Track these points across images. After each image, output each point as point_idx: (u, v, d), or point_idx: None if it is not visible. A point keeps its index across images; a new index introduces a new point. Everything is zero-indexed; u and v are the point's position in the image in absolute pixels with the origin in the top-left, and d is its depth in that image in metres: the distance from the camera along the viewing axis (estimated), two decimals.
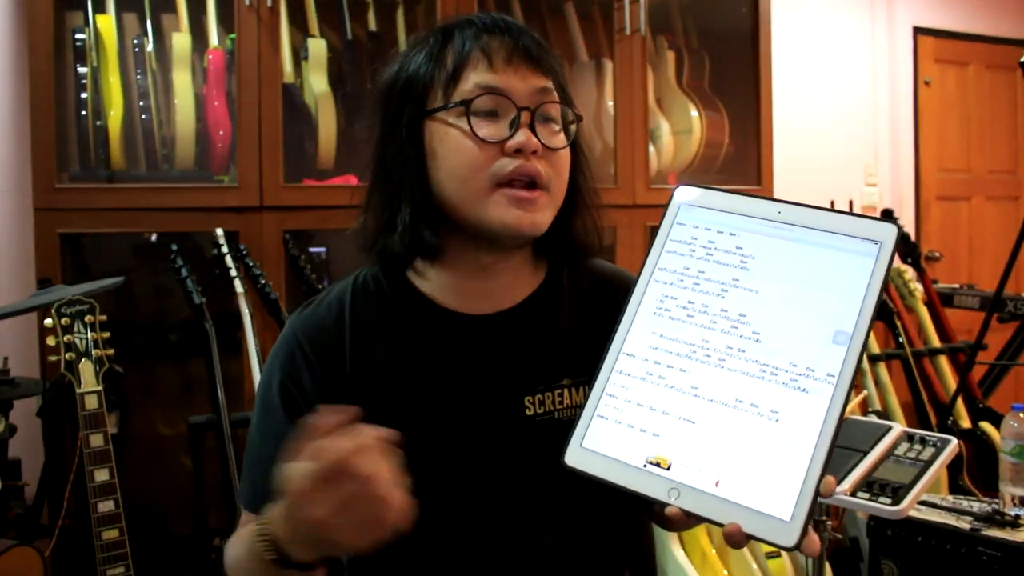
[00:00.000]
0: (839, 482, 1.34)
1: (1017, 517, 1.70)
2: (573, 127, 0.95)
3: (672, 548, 2.21)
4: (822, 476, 0.66)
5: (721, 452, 0.69)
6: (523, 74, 0.90)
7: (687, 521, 0.70)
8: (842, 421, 0.67)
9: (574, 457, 0.75)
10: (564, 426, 0.89)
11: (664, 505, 0.70)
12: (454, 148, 0.89)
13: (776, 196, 3.11)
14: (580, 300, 1.01)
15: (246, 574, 0.85)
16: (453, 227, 0.93)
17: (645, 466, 0.71)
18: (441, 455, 0.91)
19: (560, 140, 0.93)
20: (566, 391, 0.95)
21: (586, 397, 0.95)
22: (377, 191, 0.96)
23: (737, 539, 0.67)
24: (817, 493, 0.66)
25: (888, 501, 1.32)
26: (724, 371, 0.72)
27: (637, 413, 0.73)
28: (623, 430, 0.73)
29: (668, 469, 0.70)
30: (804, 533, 0.65)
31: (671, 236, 0.80)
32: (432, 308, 0.96)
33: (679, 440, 0.71)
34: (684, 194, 0.81)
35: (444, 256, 0.95)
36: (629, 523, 1.03)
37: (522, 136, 0.88)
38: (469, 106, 0.88)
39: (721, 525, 0.67)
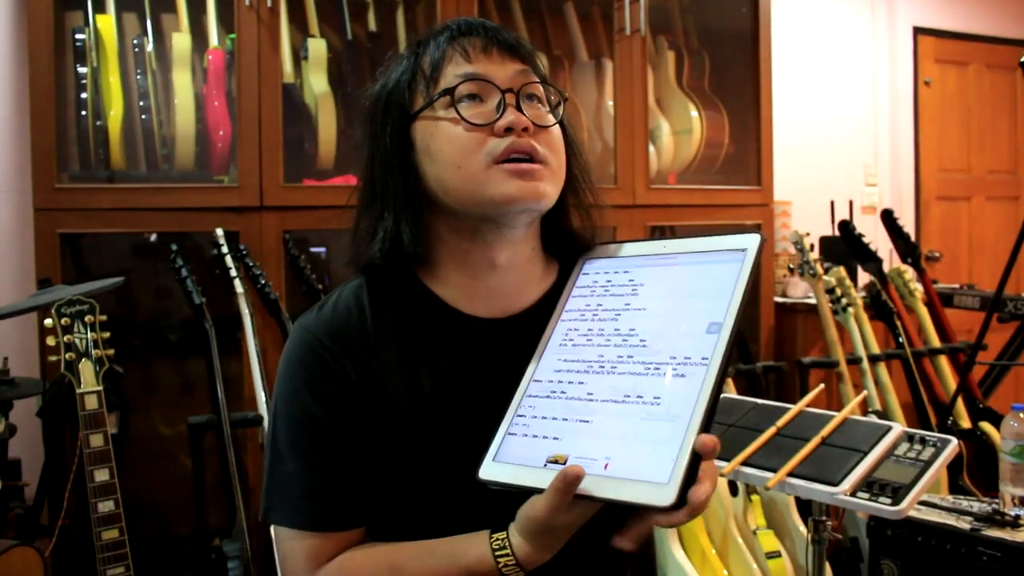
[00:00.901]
0: (839, 482, 1.33)
1: (1017, 517, 1.70)
2: (560, 108, 0.95)
3: (672, 548, 2.21)
4: (697, 438, 0.73)
5: (610, 439, 0.77)
6: (501, 61, 0.91)
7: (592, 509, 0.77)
8: (718, 393, 0.75)
9: (486, 471, 0.83)
10: None
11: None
12: (446, 138, 0.90)
13: (777, 198, 3.14)
14: None
15: None
16: (457, 223, 0.93)
17: (546, 465, 0.79)
18: (454, 456, 0.91)
19: (549, 118, 0.93)
20: None
21: None
22: (366, 205, 0.96)
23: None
24: (696, 455, 0.72)
25: (888, 501, 1.31)
26: (616, 375, 0.81)
27: (541, 425, 0.83)
28: (528, 440, 0.82)
29: (565, 463, 0.78)
30: (683, 492, 0.71)
31: (577, 284, 0.93)
32: (446, 310, 0.95)
33: (575, 438, 0.80)
34: (589, 252, 0.96)
35: (454, 256, 0.95)
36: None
37: (511, 115, 0.89)
38: (453, 93, 0.89)
39: (605, 501, 0.74)
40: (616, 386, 0.80)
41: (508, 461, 0.82)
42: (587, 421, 0.80)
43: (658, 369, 0.79)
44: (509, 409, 0.86)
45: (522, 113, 0.89)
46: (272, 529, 0.93)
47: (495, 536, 0.84)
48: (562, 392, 0.84)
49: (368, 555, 0.91)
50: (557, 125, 0.94)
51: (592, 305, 0.89)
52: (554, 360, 0.87)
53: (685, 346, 0.78)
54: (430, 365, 0.93)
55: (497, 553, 0.83)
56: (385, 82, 0.96)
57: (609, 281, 0.89)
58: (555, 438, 0.81)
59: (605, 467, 0.75)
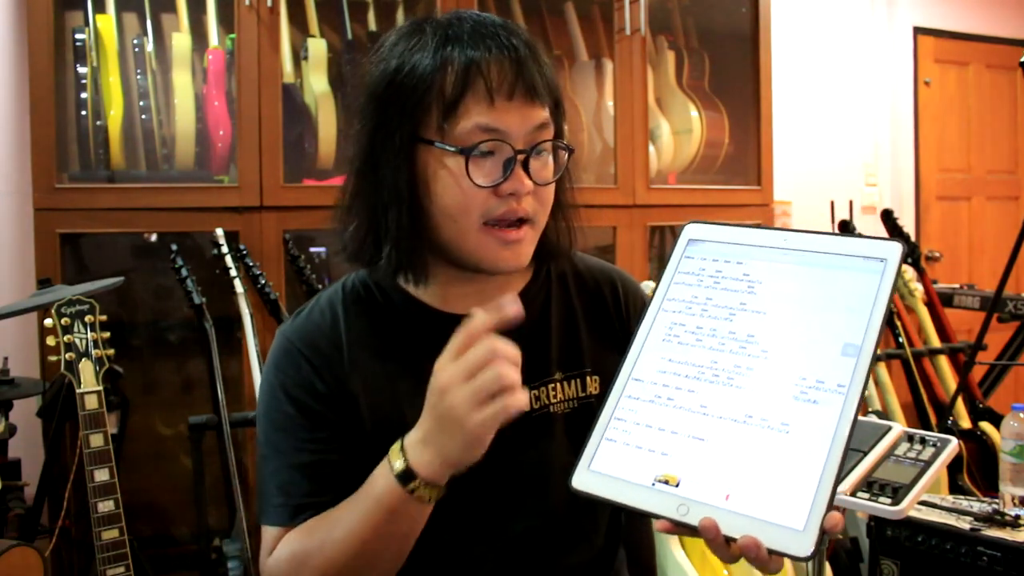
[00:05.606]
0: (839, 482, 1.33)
1: (1017, 517, 1.70)
2: (564, 156, 0.94)
3: (672, 548, 2.21)
4: (836, 484, 0.65)
5: (731, 467, 0.69)
6: (523, 112, 0.88)
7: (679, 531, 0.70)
8: (855, 428, 0.66)
9: (581, 480, 0.74)
10: (559, 419, 0.96)
11: (675, 522, 0.69)
12: (448, 187, 0.89)
13: (777, 198, 3.14)
14: (567, 296, 1.04)
15: (345, 544, 0.84)
16: (441, 250, 0.94)
17: (653, 484, 0.71)
18: None
19: (549, 172, 0.93)
20: (559, 385, 0.98)
21: (579, 392, 0.97)
22: (362, 199, 0.95)
23: (755, 554, 0.65)
24: (832, 501, 0.65)
25: (888, 501, 1.31)
26: (733, 389, 0.72)
27: (645, 434, 0.73)
28: (631, 451, 0.73)
29: (677, 486, 0.70)
30: (819, 542, 0.64)
31: (679, 268, 0.81)
32: (424, 310, 0.97)
33: (688, 457, 0.71)
34: (693, 230, 0.83)
35: (434, 268, 0.96)
36: (624, 517, 1.03)
37: (516, 182, 0.88)
38: (468, 154, 0.87)
39: (734, 540, 0.66)
40: (735, 402, 0.71)
41: (606, 472, 0.73)
42: (701, 439, 0.71)
43: (784, 389, 0.70)
44: (604, 408, 0.77)
45: (527, 173, 0.89)
46: None
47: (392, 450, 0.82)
48: (669, 399, 0.74)
49: (319, 518, 0.90)
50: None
51: (700, 297, 0.78)
52: (656, 358, 0.77)
53: (817, 367, 0.70)
54: (408, 363, 0.94)
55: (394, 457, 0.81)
56: (399, 67, 0.90)
57: (719, 271, 0.79)
58: (663, 453, 0.72)
59: (726, 498, 0.67)
